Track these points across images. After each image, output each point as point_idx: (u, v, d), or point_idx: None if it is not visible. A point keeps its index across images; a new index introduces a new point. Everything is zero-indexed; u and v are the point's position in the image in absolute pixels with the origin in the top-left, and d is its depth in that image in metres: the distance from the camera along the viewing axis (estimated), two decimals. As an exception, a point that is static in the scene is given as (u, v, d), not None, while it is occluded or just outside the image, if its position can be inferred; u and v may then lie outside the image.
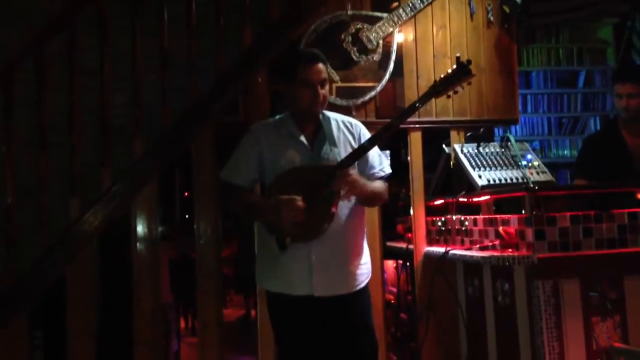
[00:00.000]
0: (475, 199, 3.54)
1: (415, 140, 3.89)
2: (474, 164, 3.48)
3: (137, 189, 3.42)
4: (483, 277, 3.15)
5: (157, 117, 3.52)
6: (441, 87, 2.62)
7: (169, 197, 7.49)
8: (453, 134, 3.88)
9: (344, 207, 2.62)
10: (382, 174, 2.75)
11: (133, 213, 3.42)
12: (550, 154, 6.11)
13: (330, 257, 2.61)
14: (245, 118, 3.85)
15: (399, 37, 3.88)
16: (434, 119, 3.86)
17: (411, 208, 3.83)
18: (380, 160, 2.76)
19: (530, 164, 3.51)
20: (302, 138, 2.68)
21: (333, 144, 2.68)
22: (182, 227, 7.18)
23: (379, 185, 2.71)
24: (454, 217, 3.47)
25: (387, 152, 4.08)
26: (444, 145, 3.88)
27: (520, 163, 3.48)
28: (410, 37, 3.92)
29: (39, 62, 3.39)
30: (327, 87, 2.68)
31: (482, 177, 3.39)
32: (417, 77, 3.89)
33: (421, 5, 3.88)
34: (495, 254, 2.89)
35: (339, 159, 2.59)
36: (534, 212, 2.78)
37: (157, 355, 3.41)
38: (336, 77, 3.76)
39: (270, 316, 2.74)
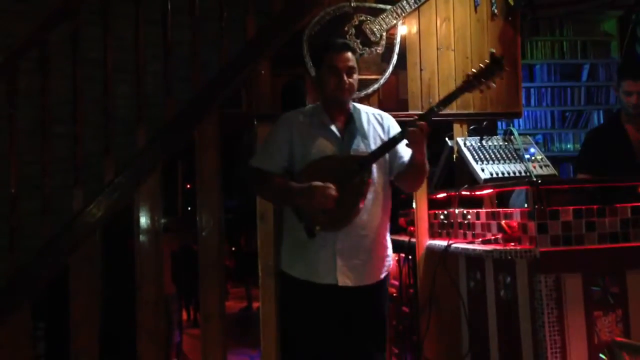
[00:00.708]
0: (477, 193, 3.54)
1: (418, 133, 3.87)
2: (476, 157, 3.48)
3: (140, 180, 3.42)
4: (485, 270, 3.15)
5: (161, 108, 3.52)
6: (475, 81, 2.63)
7: (171, 189, 7.49)
8: (456, 127, 3.87)
9: (371, 199, 2.68)
10: None
11: (136, 204, 3.43)
12: (554, 147, 6.10)
13: (355, 248, 2.67)
14: (248, 110, 3.84)
15: (402, 30, 3.87)
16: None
17: (413, 201, 3.83)
18: (408, 150, 2.77)
19: (533, 158, 3.50)
20: (333, 128, 2.73)
21: (363, 135, 2.73)
22: (185, 219, 7.20)
23: None
24: (457, 211, 3.47)
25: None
26: (446, 138, 3.87)
27: (523, 156, 3.48)
28: (414, 29, 3.91)
29: (43, 52, 3.39)
30: (355, 76, 2.73)
31: (484, 170, 3.39)
32: (421, 69, 3.88)
33: (425, -3, 3.87)
34: (498, 247, 2.89)
35: (368, 150, 2.66)
36: (537, 206, 2.77)
37: (159, 346, 3.42)
38: (339, 70, 3.75)
39: (290, 302, 2.79)
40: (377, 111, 2.89)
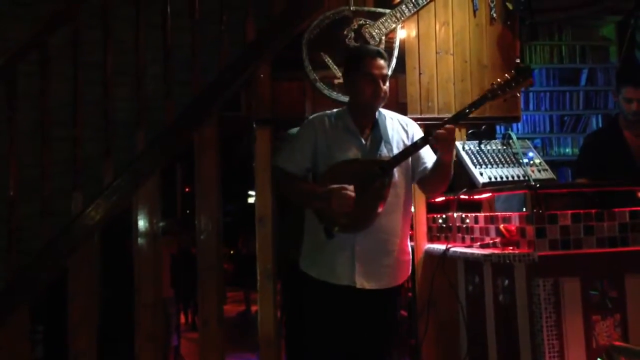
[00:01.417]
0: (476, 196, 3.54)
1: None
2: (475, 161, 3.48)
3: (139, 183, 3.42)
4: (483, 274, 3.15)
5: (160, 111, 3.52)
6: (498, 90, 2.66)
7: (170, 192, 7.49)
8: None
9: (392, 204, 2.70)
10: None
11: (135, 207, 3.43)
12: (552, 151, 6.11)
13: (375, 251, 2.69)
14: (247, 113, 3.84)
15: (401, 34, 3.88)
16: (436, 115, 3.86)
17: (412, 205, 3.83)
18: (431, 155, 2.82)
19: (531, 162, 3.50)
20: (358, 132, 2.77)
21: (387, 140, 2.76)
22: (183, 222, 7.19)
23: None
24: (455, 215, 3.47)
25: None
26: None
27: (521, 161, 3.48)
28: (413, 33, 3.92)
29: (43, 55, 3.39)
30: (387, 83, 2.77)
31: (483, 174, 3.39)
32: (420, 73, 3.89)
33: (424, 1, 3.87)
34: (496, 251, 2.89)
35: (390, 155, 2.69)
36: (535, 210, 2.78)
37: (158, 348, 3.42)
38: (338, 73, 3.76)
39: (307, 302, 2.81)
40: (403, 117, 2.93)
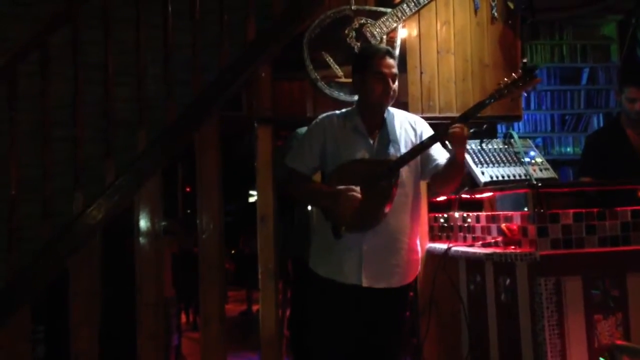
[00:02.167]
0: (477, 196, 3.54)
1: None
2: (476, 160, 3.48)
3: (141, 182, 3.42)
4: (485, 273, 3.15)
5: (161, 111, 3.52)
6: (505, 89, 2.65)
7: (171, 191, 7.50)
8: (456, 130, 3.87)
9: (400, 203, 2.70)
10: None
11: (136, 207, 3.42)
12: (553, 150, 6.11)
13: (382, 249, 2.70)
14: (248, 113, 3.84)
15: (402, 33, 3.88)
16: (437, 114, 3.86)
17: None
18: (442, 152, 2.84)
19: (533, 161, 3.51)
20: (366, 132, 2.78)
21: (395, 140, 2.77)
22: (185, 222, 7.19)
23: None
24: (457, 214, 3.47)
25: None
26: (446, 142, 3.87)
27: (523, 160, 3.48)
28: (414, 32, 3.91)
29: (43, 55, 3.39)
30: (397, 82, 2.78)
31: (484, 173, 3.39)
32: (421, 73, 3.89)
33: (425, 0, 3.87)
34: (498, 250, 2.89)
35: (398, 155, 2.70)
36: (537, 209, 2.77)
37: (159, 348, 3.42)
38: (340, 73, 3.76)
39: (314, 300, 2.82)
40: (412, 116, 2.94)
